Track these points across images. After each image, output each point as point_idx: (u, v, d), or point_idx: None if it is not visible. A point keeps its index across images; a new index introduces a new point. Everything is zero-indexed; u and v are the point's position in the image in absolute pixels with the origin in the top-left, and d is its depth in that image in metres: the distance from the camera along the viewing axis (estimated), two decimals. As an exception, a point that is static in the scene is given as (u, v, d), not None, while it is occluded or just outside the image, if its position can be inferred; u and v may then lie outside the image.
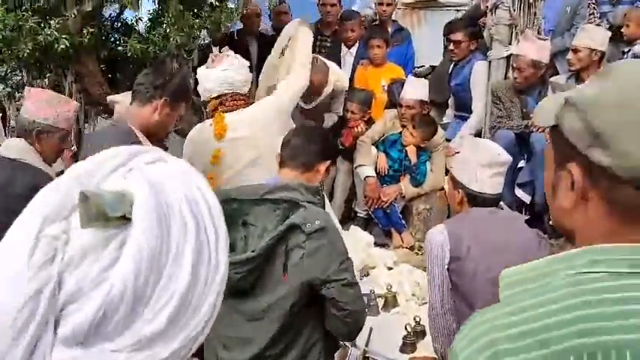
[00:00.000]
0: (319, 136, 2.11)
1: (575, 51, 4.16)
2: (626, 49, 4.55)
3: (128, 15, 4.03)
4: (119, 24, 3.98)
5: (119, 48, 3.82)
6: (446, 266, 2.17)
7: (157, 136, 2.42)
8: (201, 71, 2.81)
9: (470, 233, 2.14)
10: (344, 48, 4.97)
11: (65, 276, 0.56)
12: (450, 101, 4.88)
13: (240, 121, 2.73)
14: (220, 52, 2.86)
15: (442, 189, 4.38)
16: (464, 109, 4.68)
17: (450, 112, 4.91)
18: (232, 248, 1.83)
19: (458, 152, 4.46)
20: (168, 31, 3.47)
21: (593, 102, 0.80)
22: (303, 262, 1.76)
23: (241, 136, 2.71)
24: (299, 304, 1.80)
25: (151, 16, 3.93)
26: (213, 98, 2.81)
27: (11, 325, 0.55)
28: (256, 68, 4.95)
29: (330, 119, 3.94)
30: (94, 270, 0.56)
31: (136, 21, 4.08)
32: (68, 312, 0.56)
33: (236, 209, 1.84)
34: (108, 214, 0.56)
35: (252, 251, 1.75)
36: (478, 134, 4.56)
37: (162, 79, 2.35)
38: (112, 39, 3.97)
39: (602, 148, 0.79)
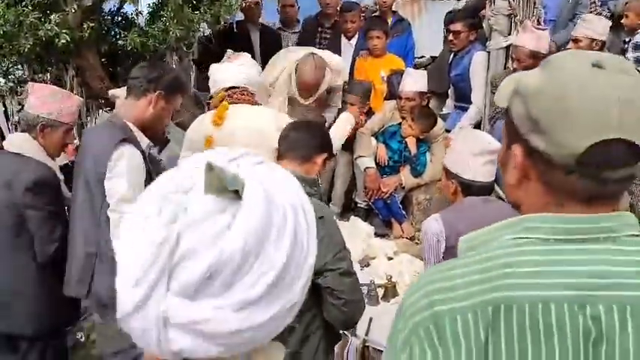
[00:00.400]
0: (316, 130, 2.17)
1: (576, 41, 4.17)
2: (626, 39, 4.55)
3: (128, 9, 4.05)
4: (119, 18, 3.99)
5: (119, 42, 3.83)
6: (441, 255, 2.21)
7: (152, 130, 2.44)
8: (216, 65, 2.85)
9: (465, 222, 2.15)
10: (344, 39, 4.97)
11: (183, 236, 0.65)
12: (450, 92, 4.88)
13: (240, 117, 2.74)
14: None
15: (441, 179, 4.40)
16: (463, 99, 4.68)
17: (449, 102, 4.92)
18: None
19: (455, 143, 4.53)
20: (167, 24, 3.48)
21: (533, 91, 0.87)
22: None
23: (237, 126, 2.70)
24: None
25: (151, 10, 3.95)
26: (223, 90, 2.82)
27: (141, 264, 0.65)
28: (258, 59, 4.98)
29: (330, 113, 3.94)
30: (207, 234, 0.65)
31: (136, 15, 4.10)
32: (181, 267, 0.65)
33: None
34: (227, 187, 0.66)
35: None
36: (478, 125, 4.58)
37: (157, 72, 2.37)
38: (113, 33, 3.98)
39: (539, 135, 0.86)
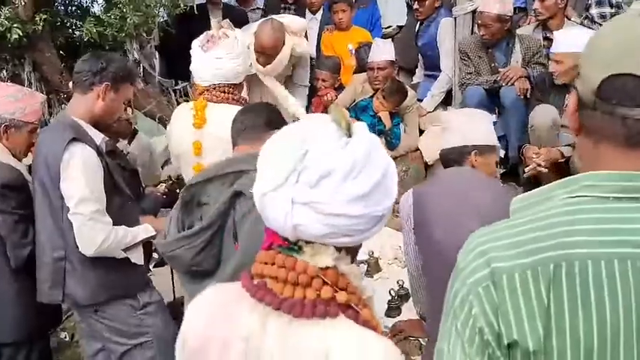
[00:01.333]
0: (263, 109, 2.10)
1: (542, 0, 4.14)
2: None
3: (82, -2, 3.91)
4: (73, 8, 3.84)
5: (76, 33, 3.69)
6: (412, 231, 2.19)
7: (105, 124, 2.35)
8: (196, 49, 2.56)
9: (433, 198, 2.12)
10: (308, 14, 4.88)
11: (311, 150, 0.94)
12: (419, 61, 4.85)
13: (220, 118, 2.41)
14: (221, 26, 2.57)
15: (417, 149, 4.40)
16: (433, 68, 4.65)
17: (419, 72, 4.88)
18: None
19: (430, 112, 4.51)
20: (124, 11, 3.35)
21: (586, 48, 0.93)
22: (257, 228, 1.70)
23: (218, 135, 2.44)
24: None
25: (108, -2, 3.81)
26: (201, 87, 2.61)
27: (280, 162, 0.96)
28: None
29: (301, 93, 3.81)
30: (329, 149, 0.94)
31: (91, 3, 3.96)
32: (307, 168, 0.94)
33: (193, 193, 1.90)
34: (347, 122, 0.95)
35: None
36: (449, 92, 4.56)
37: (101, 63, 2.26)
38: (68, 24, 3.83)
39: (578, 78, 0.93)
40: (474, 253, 0.90)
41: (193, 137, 2.58)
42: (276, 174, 0.96)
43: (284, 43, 3.09)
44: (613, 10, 4.37)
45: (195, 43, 2.57)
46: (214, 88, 2.54)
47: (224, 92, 2.55)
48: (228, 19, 2.66)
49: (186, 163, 2.63)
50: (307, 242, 0.97)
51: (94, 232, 2.20)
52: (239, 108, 2.37)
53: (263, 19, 3.20)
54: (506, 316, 0.85)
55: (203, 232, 1.79)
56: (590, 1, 4.50)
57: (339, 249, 0.98)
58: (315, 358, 0.93)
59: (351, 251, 1.02)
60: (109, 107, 2.30)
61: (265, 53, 3.04)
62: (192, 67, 2.60)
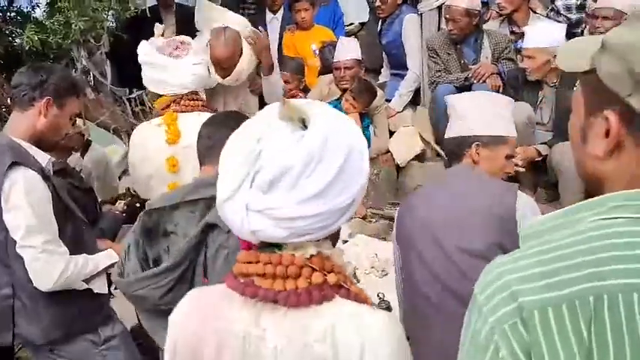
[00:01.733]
0: (232, 119, 1.77)
1: None
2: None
3: (22, 2, 3.59)
4: (12, 14, 3.53)
5: (17, 41, 3.38)
6: (396, 245, 2.05)
7: (50, 142, 2.09)
8: (159, 59, 2.37)
9: (416, 209, 1.94)
10: (269, 14, 4.69)
11: (264, 149, 0.93)
12: (384, 60, 4.70)
13: (194, 128, 2.16)
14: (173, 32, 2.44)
15: (388, 152, 4.25)
16: (399, 66, 4.51)
17: (385, 71, 4.74)
18: (157, 263, 1.68)
19: (399, 112, 4.36)
20: (69, 16, 3.07)
21: (635, 46, 0.77)
22: (230, 261, 1.55)
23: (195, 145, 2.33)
24: None
25: (49, 1, 3.51)
26: (171, 96, 2.42)
27: (234, 168, 0.96)
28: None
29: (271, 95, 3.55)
30: (282, 146, 0.92)
31: (32, 8, 3.65)
32: (261, 171, 0.92)
33: (156, 220, 1.70)
34: (299, 115, 0.94)
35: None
36: (417, 91, 4.43)
37: (40, 76, 2.01)
38: (7, 31, 3.52)
39: (631, 96, 0.77)
40: (496, 285, 0.78)
41: (167, 154, 2.38)
42: (231, 179, 0.96)
43: (241, 52, 2.89)
44: (578, 2, 4.32)
45: (155, 52, 2.36)
46: (181, 98, 2.38)
47: (193, 100, 2.40)
48: (157, 24, 2.52)
49: (160, 183, 2.41)
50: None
51: (49, 265, 1.96)
52: (210, 115, 2.20)
53: (215, 27, 2.95)
54: (540, 359, 0.74)
55: (170, 272, 1.60)
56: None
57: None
58: (320, 342, 0.96)
59: (331, 236, 1.02)
60: (52, 124, 2.05)
61: (221, 66, 2.82)
62: (153, 78, 2.39)
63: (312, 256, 0.98)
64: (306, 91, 4.16)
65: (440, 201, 1.89)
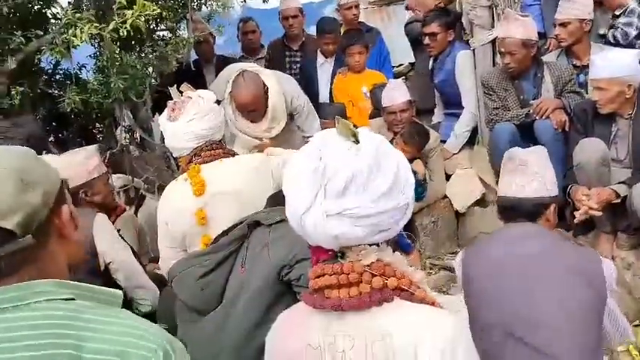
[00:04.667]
0: None
1: (564, 24, 3.75)
2: (617, 12, 4.14)
3: (68, 65, 3.60)
4: (58, 76, 3.53)
5: (62, 103, 3.36)
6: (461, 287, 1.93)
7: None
8: (163, 124, 2.36)
9: (478, 263, 1.82)
10: (320, 57, 4.59)
11: (327, 163, 1.05)
12: (437, 99, 4.47)
13: (218, 174, 2.28)
14: (180, 91, 2.38)
15: (445, 197, 3.97)
16: (453, 105, 4.26)
17: (438, 111, 4.50)
18: None
19: (456, 154, 4.09)
20: (108, 75, 3.02)
21: None
22: (268, 251, 1.77)
23: (222, 190, 2.26)
24: (267, 300, 1.75)
25: (96, 62, 3.49)
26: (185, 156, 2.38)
27: (305, 184, 1.07)
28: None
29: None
30: (344, 159, 1.05)
31: (79, 69, 3.65)
32: (330, 182, 1.04)
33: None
34: (352, 131, 1.07)
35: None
36: (474, 130, 4.16)
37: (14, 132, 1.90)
38: (54, 94, 3.51)
39: None
40: None
41: (195, 207, 2.28)
42: (305, 194, 1.05)
43: (266, 91, 2.76)
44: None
45: (162, 119, 2.34)
46: (201, 150, 2.31)
47: (212, 149, 2.32)
48: (186, 82, 2.45)
49: (193, 241, 2.33)
50: (347, 247, 1.08)
51: None
52: (234, 160, 2.31)
53: (234, 71, 2.84)
54: None
55: (214, 253, 1.81)
56: (613, 21, 4.12)
57: (377, 244, 1.09)
58: (379, 341, 1.03)
59: (390, 242, 1.11)
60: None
61: (249, 110, 2.69)
62: (167, 144, 2.36)
63: (372, 263, 1.07)
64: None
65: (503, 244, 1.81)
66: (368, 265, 1.06)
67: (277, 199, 2.06)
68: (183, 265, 1.87)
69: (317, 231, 1.06)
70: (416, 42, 4.66)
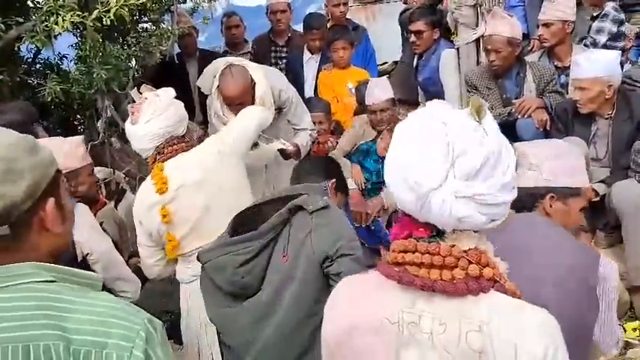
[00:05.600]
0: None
1: (547, 25, 3.79)
2: (594, 14, 4.20)
3: (49, 54, 3.54)
4: (38, 65, 3.47)
5: (41, 92, 3.30)
6: None
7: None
8: (127, 129, 2.38)
9: None
10: (307, 53, 4.58)
11: (454, 140, 1.00)
12: (421, 97, 4.49)
13: (179, 168, 2.30)
14: (140, 92, 2.38)
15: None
16: (437, 103, 4.28)
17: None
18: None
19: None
20: (91, 65, 2.98)
21: None
22: (311, 240, 1.73)
23: (183, 183, 2.28)
24: (315, 292, 1.70)
25: (77, 52, 3.44)
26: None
27: (434, 161, 1.01)
28: (198, 90, 4.52)
29: (302, 138, 3.35)
30: (474, 139, 1.00)
31: (60, 59, 3.59)
32: (458, 162, 1.00)
33: (245, 218, 1.88)
34: (483, 112, 1.02)
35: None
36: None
37: None
38: (33, 83, 3.45)
39: None
40: None
41: (159, 205, 2.30)
42: (436, 171, 1.00)
43: (253, 85, 2.77)
44: (615, 29, 4.06)
45: (127, 125, 2.38)
46: (163, 147, 2.31)
47: (172, 145, 2.32)
48: (144, 84, 2.45)
49: (161, 239, 2.37)
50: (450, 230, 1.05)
51: None
52: (194, 151, 2.33)
53: (221, 65, 2.84)
54: None
55: (254, 240, 1.74)
56: (592, 23, 4.18)
57: (476, 230, 1.05)
58: (477, 331, 0.99)
59: (483, 230, 1.06)
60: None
61: (236, 103, 2.68)
62: (133, 147, 2.40)
63: (469, 249, 1.03)
64: (334, 131, 3.99)
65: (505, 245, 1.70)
66: (465, 251, 1.02)
67: (310, 169, 2.20)
68: (217, 252, 1.79)
69: (441, 210, 1.00)
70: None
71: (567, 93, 3.63)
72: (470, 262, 1.02)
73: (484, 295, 1.01)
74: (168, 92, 2.34)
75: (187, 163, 2.30)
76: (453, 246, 1.03)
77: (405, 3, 5.10)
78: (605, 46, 3.98)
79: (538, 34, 3.96)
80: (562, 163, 1.78)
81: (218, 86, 2.80)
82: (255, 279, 1.76)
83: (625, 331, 2.86)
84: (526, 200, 1.75)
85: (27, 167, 1.00)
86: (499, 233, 1.73)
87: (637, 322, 2.95)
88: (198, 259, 1.87)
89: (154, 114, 2.26)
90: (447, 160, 0.99)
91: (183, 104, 2.41)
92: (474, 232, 1.04)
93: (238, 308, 1.79)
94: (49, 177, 1.04)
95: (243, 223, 1.85)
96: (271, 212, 1.80)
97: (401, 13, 4.89)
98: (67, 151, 2.54)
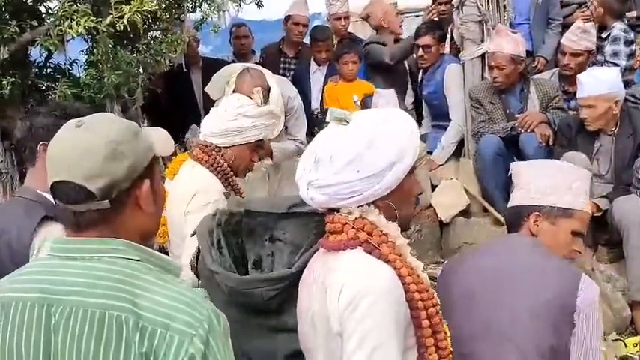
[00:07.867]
0: None
1: (576, 55, 3.82)
2: (603, 35, 4.25)
3: (59, 59, 3.58)
4: (49, 69, 3.51)
5: (51, 96, 3.34)
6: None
7: None
8: (234, 102, 2.44)
9: (458, 275, 1.77)
10: (313, 65, 4.64)
11: (317, 146, 1.35)
12: (425, 111, 4.53)
13: (182, 173, 2.45)
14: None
15: (430, 207, 4.01)
16: (441, 117, 4.32)
17: (425, 122, 4.56)
18: (258, 265, 1.79)
19: (442, 165, 4.14)
20: (102, 70, 3.02)
21: None
22: None
23: (174, 185, 2.43)
24: None
25: (88, 58, 3.48)
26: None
27: (305, 160, 1.37)
28: (200, 101, 4.57)
29: (288, 143, 3.37)
30: (329, 140, 1.34)
31: (71, 64, 3.63)
32: (314, 162, 1.34)
33: (260, 223, 1.78)
34: (342, 117, 1.33)
35: (289, 267, 1.67)
36: (461, 143, 4.22)
37: (26, 123, 1.92)
38: (43, 86, 3.49)
39: None
40: None
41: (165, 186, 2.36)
42: (302, 170, 1.36)
43: (268, 89, 2.83)
44: (627, 49, 4.10)
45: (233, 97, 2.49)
46: (196, 147, 2.38)
47: (203, 151, 2.36)
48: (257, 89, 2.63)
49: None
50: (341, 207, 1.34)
51: None
52: (207, 171, 2.32)
53: (236, 69, 2.90)
54: None
55: (285, 279, 1.66)
56: (606, 42, 4.21)
57: (368, 204, 1.31)
58: (334, 274, 1.29)
59: (380, 207, 1.32)
60: None
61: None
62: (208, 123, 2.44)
63: (356, 219, 1.30)
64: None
65: (485, 268, 1.70)
66: (353, 220, 1.30)
67: None
68: (251, 284, 1.67)
69: (304, 195, 1.36)
70: (376, 66, 4.50)
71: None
72: (352, 228, 1.30)
73: (349, 251, 1.29)
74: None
75: (179, 178, 2.42)
76: (342, 217, 1.31)
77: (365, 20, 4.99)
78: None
79: (564, 62, 3.91)
80: (552, 182, 1.72)
81: (235, 87, 2.85)
82: (278, 303, 1.69)
83: (626, 345, 2.87)
84: (512, 219, 1.76)
85: (131, 150, 1.11)
86: (483, 255, 1.76)
87: (638, 337, 2.96)
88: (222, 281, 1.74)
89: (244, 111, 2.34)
90: (310, 159, 1.33)
91: None
92: (360, 206, 1.31)
93: (255, 320, 1.71)
94: (147, 160, 1.15)
95: (255, 230, 1.78)
96: (293, 231, 1.73)
97: (366, 44, 4.66)
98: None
